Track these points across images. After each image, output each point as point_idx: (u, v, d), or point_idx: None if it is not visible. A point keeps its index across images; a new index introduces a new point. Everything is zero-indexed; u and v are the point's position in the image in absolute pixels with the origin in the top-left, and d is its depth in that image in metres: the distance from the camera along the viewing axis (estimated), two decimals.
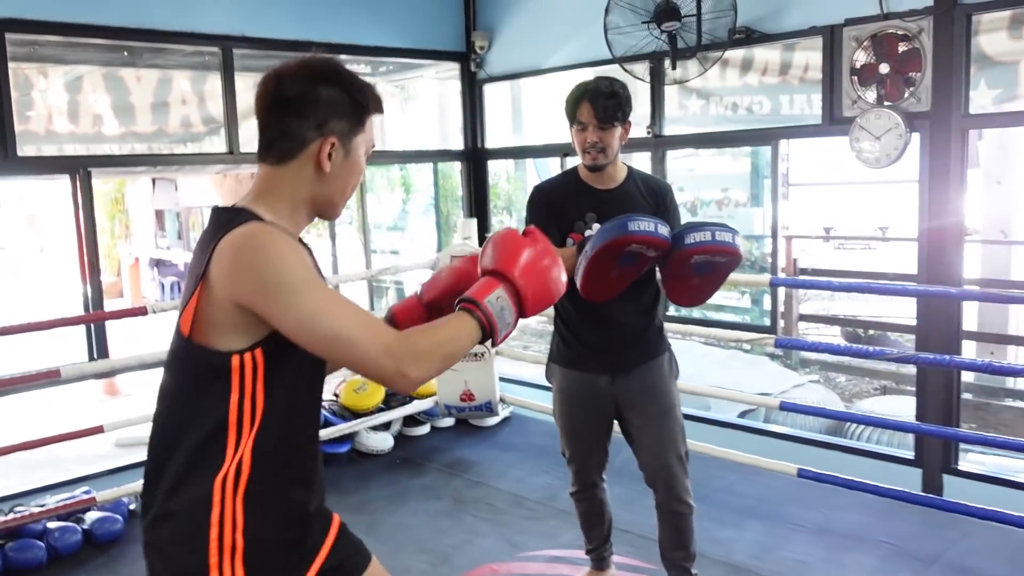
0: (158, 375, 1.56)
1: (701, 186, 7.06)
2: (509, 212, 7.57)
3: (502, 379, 4.82)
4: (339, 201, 1.57)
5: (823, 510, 3.69)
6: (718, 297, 3.08)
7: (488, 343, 1.52)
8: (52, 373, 3.29)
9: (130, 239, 12.87)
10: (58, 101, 5.70)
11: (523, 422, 5.08)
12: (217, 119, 5.67)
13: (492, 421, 4.93)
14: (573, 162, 3.14)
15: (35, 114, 5.64)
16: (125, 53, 5.27)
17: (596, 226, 2.64)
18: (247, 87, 5.60)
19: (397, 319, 1.77)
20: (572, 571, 3.22)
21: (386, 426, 4.66)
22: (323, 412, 4.51)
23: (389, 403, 4.69)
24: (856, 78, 3.91)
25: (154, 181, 11.16)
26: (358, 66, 6.64)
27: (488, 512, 3.86)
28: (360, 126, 1.53)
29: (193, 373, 1.47)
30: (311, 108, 1.48)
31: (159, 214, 12.50)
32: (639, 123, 4.97)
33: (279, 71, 1.51)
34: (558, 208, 2.73)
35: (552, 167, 9.49)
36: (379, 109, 1.57)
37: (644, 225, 2.32)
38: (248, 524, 1.45)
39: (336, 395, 4.67)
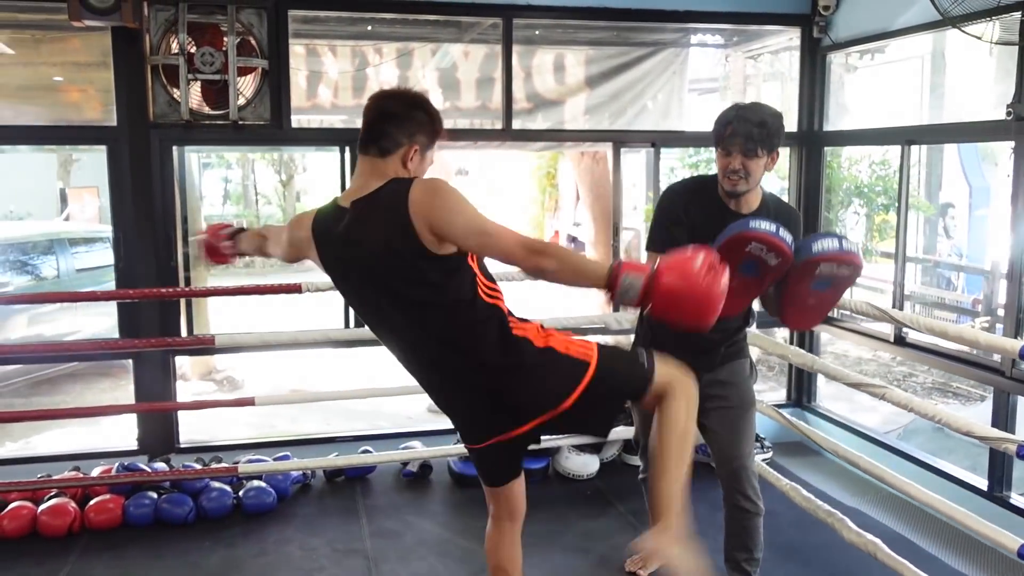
0: None
1: None
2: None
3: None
4: None
5: None
6: None
7: None
8: (208, 340, 3.41)
9: (557, 213, 13.53)
10: (389, 76, 5.98)
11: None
12: (544, 96, 5.48)
13: None
14: None
15: (371, 89, 6.00)
16: (454, 29, 5.31)
17: None
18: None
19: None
20: None
21: (596, 448, 4.04)
22: None
23: None
24: None
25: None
26: (703, 35, 5.92)
27: None
28: (432, 144, 2.11)
29: (443, 279, 1.98)
30: (406, 122, 2.04)
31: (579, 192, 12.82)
32: (999, 100, 3.59)
33: (387, 93, 2.15)
34: (691, 220, 2.68)
35: (978, 157, 7.64)
36: (444, 138, 2.14)
37: (766, 225, 2.31)
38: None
39: None
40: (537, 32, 5.44)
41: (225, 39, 4.10)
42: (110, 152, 4.15)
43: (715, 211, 2.64)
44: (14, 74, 4.92)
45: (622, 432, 4.08)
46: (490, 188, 18.10)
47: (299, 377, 7.10)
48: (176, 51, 4.05)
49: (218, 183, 17.38)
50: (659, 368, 2.10)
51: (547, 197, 13.62)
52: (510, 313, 2.10)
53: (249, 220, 15.15)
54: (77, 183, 12.89)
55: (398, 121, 2.04)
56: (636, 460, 4.13)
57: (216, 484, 3.69)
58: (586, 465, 3.99)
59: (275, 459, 3.89)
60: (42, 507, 3.48)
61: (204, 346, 3.52)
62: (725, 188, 2.64)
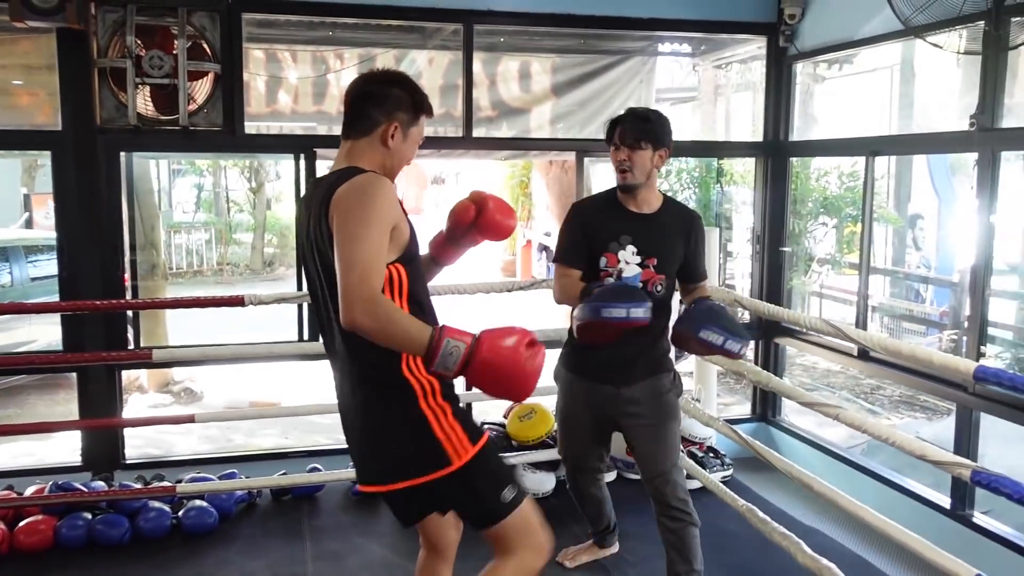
0: None
1: None
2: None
3: (731, 421, 3.73)
4: (397, 168, 2.07)
5: None
6: None
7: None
8: (144, 355, 3.28)
9: (531, 222, 13.45)
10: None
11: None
12: (509, 104, 5.40)
13: (692, 483, 3.88)
14: None
15: (332, 95, 5.88)
16: (417, 35, 5.20)
17: (631, 247, 2.78)
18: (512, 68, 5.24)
19: (431, 250, 2.27)
20: None
21: (553, 465, 3.93)
22: None
23: None
24: None
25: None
26: (672, 44, 5.87)
27: None
28: (416, 119, 2.05)
29: None
30: (383, 100, 1.99)
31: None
32: (965, 111, 3.54)
33: (365, 75, 2.10)
34: (591, 227, 2.84)
35: (947, 169, 7.64)
36: (430, 113, 2.08)
37: (616, 312, 2.47)
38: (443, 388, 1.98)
39: (504, 420, 4.06)
40: (502, 39, 5.35)
41: (176, 42, 3.97)
42: (54, 157, 4.01)
43: (617, 213, 2.82)
44: None
45: None
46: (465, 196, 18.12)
47: (263, 388, 6.94)
48: (124, 54, 3.91)
49: (191, 190, 17.19)
50: (520, 514, 2.02)
51: (520, 207, 13.53)
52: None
53: (219, 228, 14.99)
54: (42, 189, 12.65)
55: (374, 100, 2.00)
56: None
57: (155, 504, 3.53)
58: (541, 483, 3.87)
59: (220, 477, 3.75)
60: None
61: (141, 360, 3.38)
62: (618, 184, 2.80)
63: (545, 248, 12.51)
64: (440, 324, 1.80)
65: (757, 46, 4.99)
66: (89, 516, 3.46)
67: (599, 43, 5.50)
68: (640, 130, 2.74)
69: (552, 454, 3.85)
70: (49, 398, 6.80)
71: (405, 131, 2.03)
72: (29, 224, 11.49)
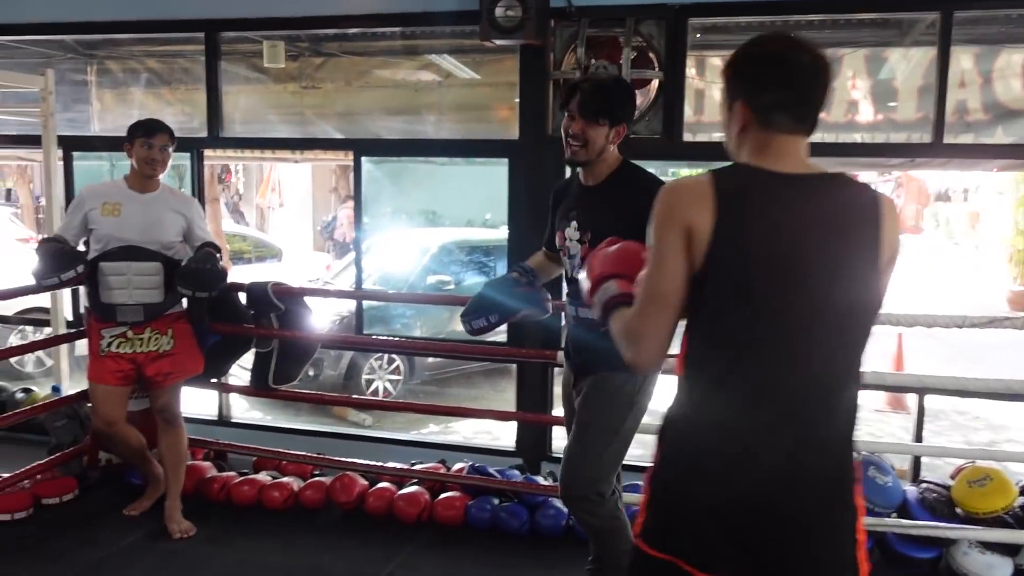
0: None
1: None
2: None
3: None
4: None
5: None
6: None
7: None
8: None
9: None
10: None
11: None
12: (1007, 105, 4.63)
13: None
14: None
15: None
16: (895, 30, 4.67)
17: (573, 223, 2.60)
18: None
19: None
20: None
21: (1013, 550, 3.11)
22: (912, 496, 3.32)
23: None
24: None
25: None
26: None
27: None
28: None
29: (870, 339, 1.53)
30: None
31: None
32: None
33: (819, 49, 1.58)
34: (556, 204, 2.75)
35: None
36: None
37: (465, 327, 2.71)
38: None
39: (950, 481, 3.32)
40: (1003, 29, 4.53)
41: (622, 51, 4.02)
42: (510, 165, 4.31)
43: (574, 189, 2.67)
44: (458, 93, 5.47)
45: None
46: (972, 217, 15.87)
47: None
48: (575, 66, 4.07)
49: None
50: None
51: None
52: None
53: None
54: None
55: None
56: None
57: (555, 502, 3.58)
58: (991, 566, 3.10)
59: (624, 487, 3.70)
60: (400, 492, 3.71)
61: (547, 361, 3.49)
62: (566, 156, 2.58)
63: None
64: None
65: None
66: (496, 501, 3.66)
67: None
68: (600, 103, 2.48)
69: (1010, 535, 3.07)
70: (497, 384, 7.49)
71: None
72: None
